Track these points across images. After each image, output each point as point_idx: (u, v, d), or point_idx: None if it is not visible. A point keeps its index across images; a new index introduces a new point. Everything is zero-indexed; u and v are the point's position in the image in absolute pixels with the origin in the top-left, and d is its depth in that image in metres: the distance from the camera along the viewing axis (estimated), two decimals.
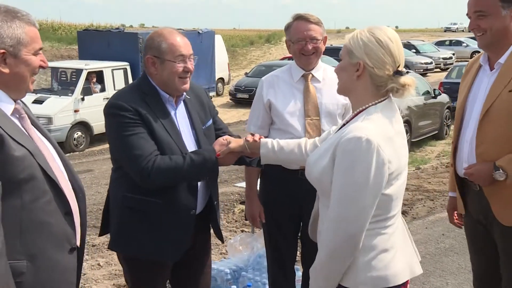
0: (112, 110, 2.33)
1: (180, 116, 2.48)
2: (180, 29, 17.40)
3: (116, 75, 12.84)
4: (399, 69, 1.88)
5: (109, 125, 2.37)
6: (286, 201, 2.95)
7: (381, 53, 1.86)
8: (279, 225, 3.03)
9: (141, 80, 2.46)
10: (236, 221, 5.72)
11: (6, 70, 1.73)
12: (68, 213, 1.83)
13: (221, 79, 20.32)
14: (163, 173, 2.26)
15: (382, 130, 1.82)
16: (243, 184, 4.08)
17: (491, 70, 2.54)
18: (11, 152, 1.66)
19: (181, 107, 2.51)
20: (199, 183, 2.46)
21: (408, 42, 29.42)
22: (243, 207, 5.25)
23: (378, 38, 1.87)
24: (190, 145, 2.46)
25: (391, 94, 1.92)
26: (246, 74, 20.40)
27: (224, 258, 4.40)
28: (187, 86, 2.42)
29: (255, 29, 58.23)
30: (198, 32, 16.63)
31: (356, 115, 1.92)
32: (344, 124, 1.99)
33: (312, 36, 2.84)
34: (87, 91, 12.00)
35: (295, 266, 3.21)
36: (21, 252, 1.71)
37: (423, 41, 33.76)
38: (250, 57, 35.28)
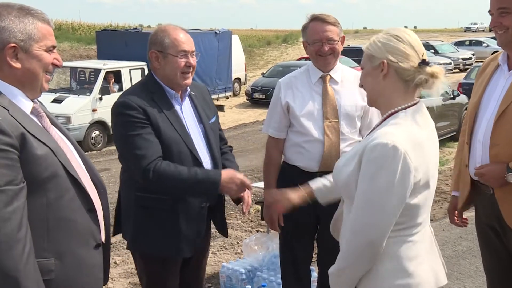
0: (119, 109, 2.36)
1: (186, 111, 2.51)
2: (198, 29, 17.56)
3: (134, 75, 12.94)
4: (424, 58, 1.85)
5: (116, 124, 2.41)
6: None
7: (401, 46, 1.83)
8: (296, 226, 3.00)
9: (148, 78, 2.51)
10: (251, 221, 5.71)
11: (18, 65, 1.74)
12: (91, 209, 1.85)
13: (238, 79, 20.36)
14: (163, 178, 2.29)
15: (411, 136, 1.77)
16: (259, 184, 4.06)
17: (509, 70, 2.49)
18: (33, 151, 1.67)
19: (187, 102, 2.55)
20: None
21: (427, 43, 29.11)
22: (258, 207, 5.25)
23: (395, 35, 1.86)
24: (198, 139, 2.49)
25: (421, 88, 1.87)
26: (263, 74, 20.41)
27: (239, 258, 4.41)
28: (189, 81, 2.46)
29: (272, 29, 58.27)
30: (215, 32, 16.70)
31: (385, 119, 1.88)
32: (373, 129, 1.94)
33: (329, 37, 2.80)
34: (105, 91, 12.10)
35: (311, 267, 3.20)
36: (49, 250, 1.72)
37: (442, 41, 33.41)
38: (267, 57, 35.29)
